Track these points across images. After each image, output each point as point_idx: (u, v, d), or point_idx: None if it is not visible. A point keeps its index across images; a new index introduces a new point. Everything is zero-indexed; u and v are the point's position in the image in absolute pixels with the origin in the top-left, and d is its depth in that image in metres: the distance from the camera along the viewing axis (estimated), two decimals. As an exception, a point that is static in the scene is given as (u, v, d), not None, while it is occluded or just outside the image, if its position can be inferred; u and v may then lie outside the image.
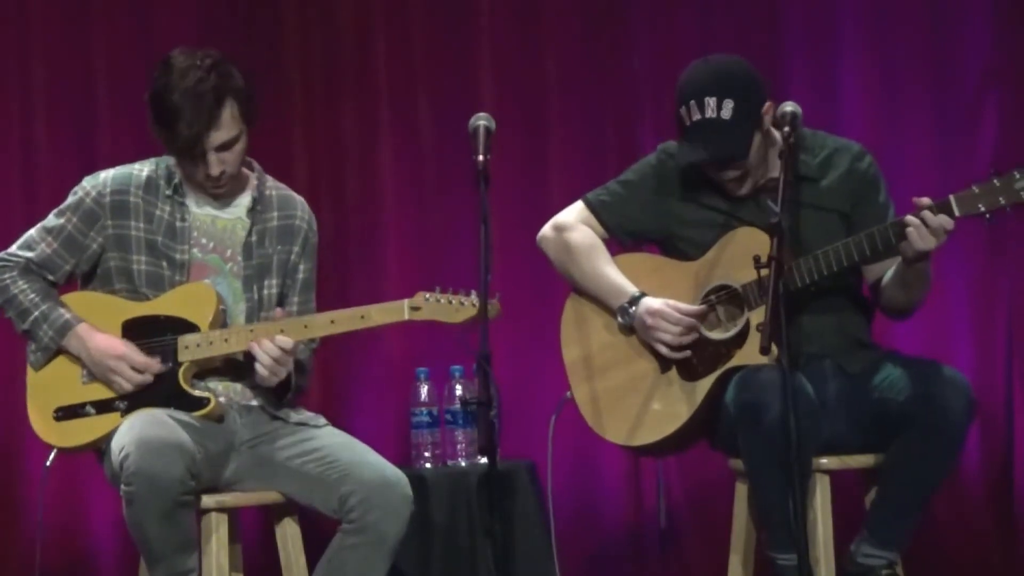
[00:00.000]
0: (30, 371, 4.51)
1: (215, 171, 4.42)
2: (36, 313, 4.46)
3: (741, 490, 4.62)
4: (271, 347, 4.38)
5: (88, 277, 4.57)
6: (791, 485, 4.10)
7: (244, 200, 4.58)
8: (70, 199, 4.54)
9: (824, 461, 4.49)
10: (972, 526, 5.74)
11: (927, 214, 4.32)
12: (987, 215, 4.32)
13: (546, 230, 4.77)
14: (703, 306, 4.52)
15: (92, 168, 4.67)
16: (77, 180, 4.58)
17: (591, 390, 4.64)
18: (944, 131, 5.84)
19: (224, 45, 4.70)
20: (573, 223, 4.73)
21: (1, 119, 5.83)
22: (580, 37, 6.02)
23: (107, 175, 4.55)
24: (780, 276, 4.13)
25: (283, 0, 6.02)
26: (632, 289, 4.60)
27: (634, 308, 4.56)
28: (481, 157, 4.14)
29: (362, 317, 4.41)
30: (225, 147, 4.41)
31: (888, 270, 4.55)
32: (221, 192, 4.52)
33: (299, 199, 4.67)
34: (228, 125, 4.39)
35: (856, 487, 4.65)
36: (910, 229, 4.33)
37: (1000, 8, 5.83)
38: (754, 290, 4.46)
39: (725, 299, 4.53)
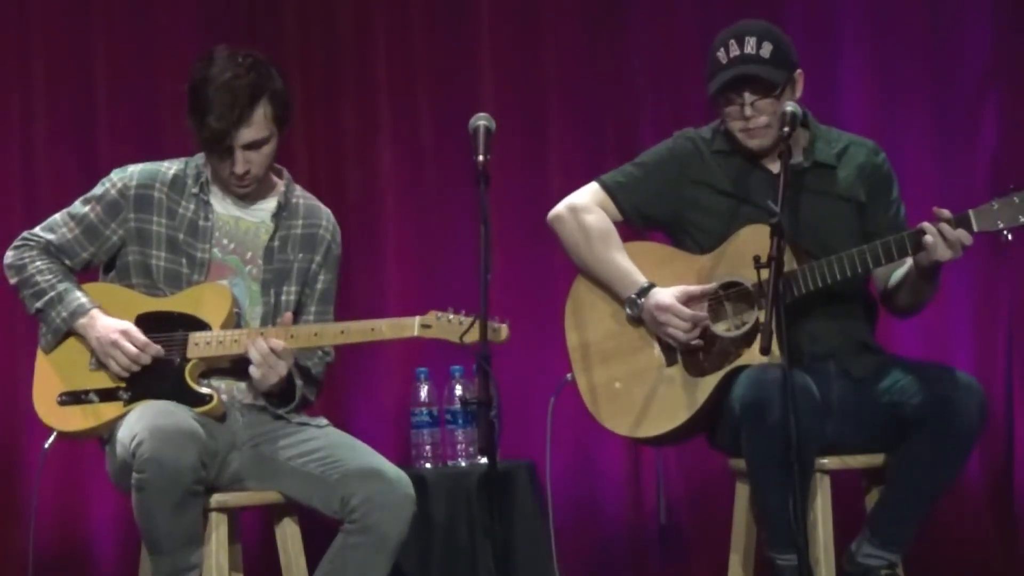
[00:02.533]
0: (40, 354, 4.52)
1: (240, 169, 4.43)
2: (52, 294, 4.47)
3: (741, 490, 4.62)
4: (262, 345, 4.39)
5: (107, 268, 4.58)
6: (792, 485, 4.10)
7: (270, 204, 4.58)
8: (97, 189, 4.56)
9: (825, 461, 4.49)
10: (972, 526, 5.74)
11: (945, 227, 4.33)
12: (1006, 233, 4.32)
13: (560, 210, 4.73)
14: (711, 285, 4.51)
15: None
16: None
17: (593, 378, 4.63)
18: (944, 131, 5.84)
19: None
20: (589, 205, 4.71)
21: (1, 119, 5.83)
22: (580, 37, 6.01)
23: (135, 169, 4.57)
24: (780, 276, 4.13)
25: (283, 0, 6.02)
26: (641, 279, 4.58)
27: (643, 299, 4.56)
28: (481, 157, 4.13)
29: (372, 330, 4.43)
30: (253, 146, 4.42)
31: (895, 271, 4.55)
32: (245, 191, 4.52)
33: (326, 210, 4.66)
34: (259, 124, 4.41)
35: (856, 487, 4.65)
36: (927, 238, 4.33)
37: (1000, 8, 5.83)
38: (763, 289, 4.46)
39: (735, 296, 4.53)
